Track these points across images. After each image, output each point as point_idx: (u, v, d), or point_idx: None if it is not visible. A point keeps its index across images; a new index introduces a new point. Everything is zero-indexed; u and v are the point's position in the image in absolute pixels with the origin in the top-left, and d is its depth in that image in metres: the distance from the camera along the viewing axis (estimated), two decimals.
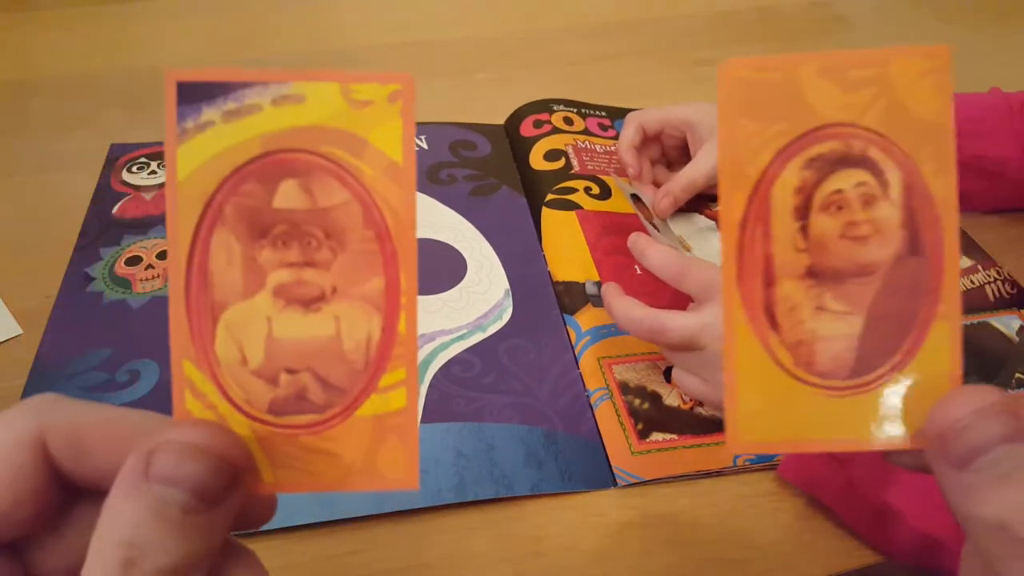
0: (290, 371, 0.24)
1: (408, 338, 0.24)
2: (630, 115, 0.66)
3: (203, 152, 0.23)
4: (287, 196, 0.24)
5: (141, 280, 0.57)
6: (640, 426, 0.49)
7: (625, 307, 0.49)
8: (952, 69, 0.24)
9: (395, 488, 0.24)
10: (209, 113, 0.23)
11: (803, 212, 0.24)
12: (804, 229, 0.25)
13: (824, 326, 0.24)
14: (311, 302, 0.24)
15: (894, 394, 0.24)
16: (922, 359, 0.24)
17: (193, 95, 0.23)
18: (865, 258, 0.24)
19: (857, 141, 0.24)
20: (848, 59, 0.24)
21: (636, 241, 0.52)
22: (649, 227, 0.61)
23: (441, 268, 0.59)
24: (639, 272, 0.58)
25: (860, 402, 0.24)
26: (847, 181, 0.24)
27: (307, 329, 0.24)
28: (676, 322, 0.47)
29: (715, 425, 0.50)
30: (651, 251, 0.51)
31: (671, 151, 0.67)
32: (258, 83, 0.24)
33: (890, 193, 0.24)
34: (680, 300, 0.51)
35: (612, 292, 0.51)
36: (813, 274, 0.24)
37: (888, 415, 0.24)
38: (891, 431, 0.24)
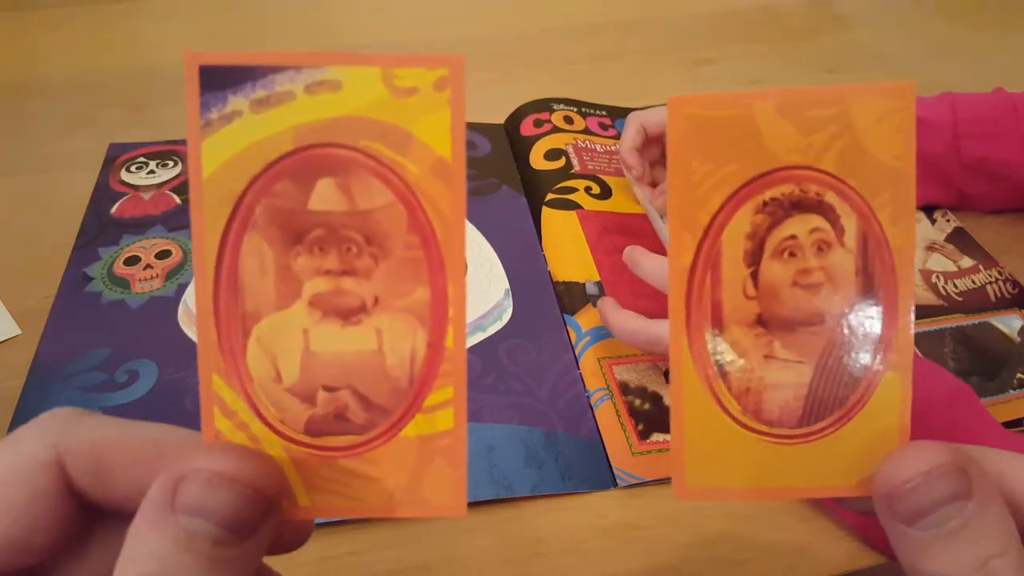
0: (328, 388, 0.22)
1: (456, 354, 0.22)
2: (631, 115, 0.66)
3: (230, 146, 0.21)
4: (324, 197, 0.22)
5: (140, 280, 0.57)
6: (641, 427, 0.49)
7: (621, 321, 0.50)
8: (915, 109, 0.23)
9: (441, 515, 0.23)
10: (236, 102, 0.21)
11: (755, 258, 0.24)
12: (755, 275, 0.24)
13: (773, 374, 0.24)
14: (351, 314, 0.22)
15: (842, 444, 0.24)
16: (871, 410, 0.24)
17: (218, 81, 0.21)
18: (817, 307, 0.24)
19: (813, 185, 0.23)
20: (807, 97, 0.23)
21: (631, 253, 0.53)
22: (658, 224, 0.60)
23: None
24: None
25: (808, 450, 0.24)
26: (801, 227, 0.24)
27: (347, 343, 0.22)
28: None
29: None
30: (643, 261, 0.52)
31: None
32: (290, 67, 0.21)
33: (845, 240, 0.24)
34: None
35: (608, 306, 0.51)
36: (763, 322, 0.24)
37: (836, 464, 0.24)
38: (839, 479, 0.24)
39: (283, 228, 0.22)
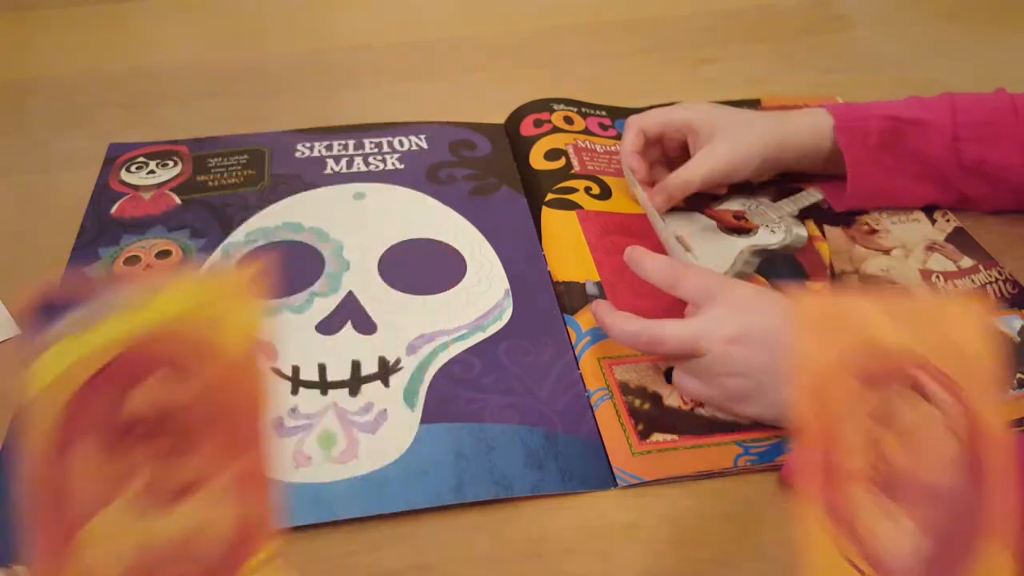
0: None
1: (269, 518, 0.25)
2: (631, 119, 0.66)
3: (59, 362, 0.24)
4: (145, 395, 0.25)
5: None
6: (641, 427, 0.49)
7: (619, 322, 0.49)
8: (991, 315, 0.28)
9: None
10: (63, 326, 0.25)
11: (870, 428, 0.28)
12: (874, 443, 0.28)
13: (888, 535, 0.27)
14: (172, 499, 0.24)
15: None
16: None
17: (46, 311, 0.25)
18: (927, 478, 0.27)
19: (920, 373, 0.28)
20: (906, 302, 0.29)
21: (632, 253, 0.53)
22: (658, 224, 0.61)
23: (441, 268, 0.59)
24: None
25: None
26: (910, 409, 0.28)
27: (169, 529, 0.24)
28: (673, 331, 0.47)
29: (716, 426, 0.49)
30: (644, 261, 0.52)
31: (672, 151, 0.67)
32: (106, 294, 0.25)
33: (950, 422, 0.27)
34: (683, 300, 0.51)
35: (603, 309, 0.51)
36: (880, 483, 0.28)
37: None
38: None
39: (106, 430, 0.24)
